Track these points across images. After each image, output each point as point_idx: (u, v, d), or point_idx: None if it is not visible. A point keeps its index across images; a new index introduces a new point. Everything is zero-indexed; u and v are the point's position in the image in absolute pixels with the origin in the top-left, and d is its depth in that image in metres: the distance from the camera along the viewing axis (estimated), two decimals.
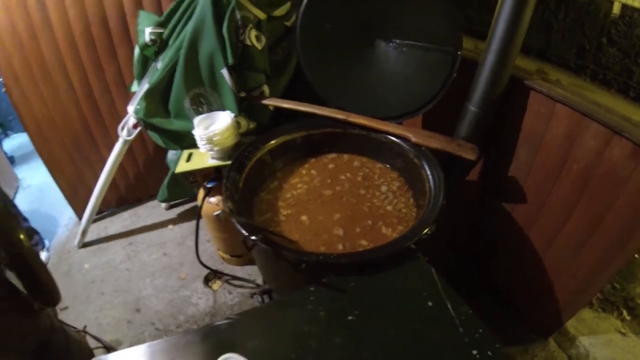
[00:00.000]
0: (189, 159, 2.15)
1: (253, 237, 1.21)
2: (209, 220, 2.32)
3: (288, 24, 2.30)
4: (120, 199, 3.28)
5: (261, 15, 2.11)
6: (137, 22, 2.34)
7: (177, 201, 3.24)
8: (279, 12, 2.22)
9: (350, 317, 1.09)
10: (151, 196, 3.29)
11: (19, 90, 2.75)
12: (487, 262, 2.19)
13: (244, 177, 1.55)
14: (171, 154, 2.65)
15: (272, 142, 1.71)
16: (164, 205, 3.21)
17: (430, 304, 1.12)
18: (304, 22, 1.80)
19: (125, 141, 2.56)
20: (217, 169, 2.11)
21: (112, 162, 2.68)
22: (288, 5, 2.24)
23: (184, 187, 2.84)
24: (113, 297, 2.55)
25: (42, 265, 1.57)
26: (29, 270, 1.54)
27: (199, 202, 2.28)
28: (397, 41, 1.73)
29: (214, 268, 2.47)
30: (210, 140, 1.92)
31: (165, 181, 2.86)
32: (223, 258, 2.61)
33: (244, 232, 1.26)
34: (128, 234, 3.04)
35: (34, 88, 2.77)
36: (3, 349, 1.36)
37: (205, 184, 2.16)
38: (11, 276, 1.47)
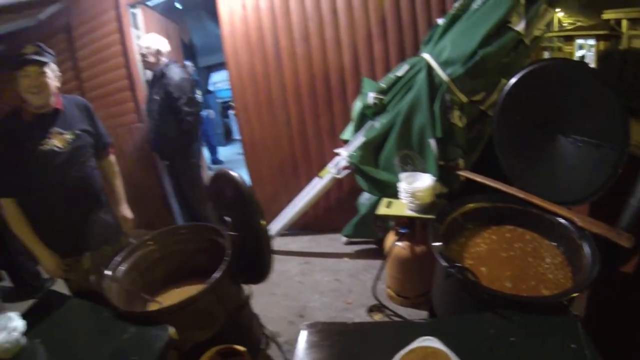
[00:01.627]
0: (388, 205, 3.05)
1: (458, 264, 1.97)
2: (393, 262, 3.05)
3: (482, 107, 3.11)
4: (306, 224, 4.25)
5: (464, 99, 2.99)
6: (361, 86, 3.38)
7: (357, 239, 4.02)
8: (477, 97, 3.06)
9: (512, 338, 1.71)
10: (333, 230, 4.14)
11: (246, 116, 3.96)
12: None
13: (443, 229, 2.34)
14: (364, 198, 3.54)
15: (466, 206, 2.49)
16: (344, 239, 4.05)
17: (573, 346, 1.66)
18: (500, 114, 2.52)
19: (334, 178, 3.54)
20: (410, 218, 2.93)
21: (315, 193, 3.64)
22: (483, 93, 3.06)
23: (369, 229, 3.64)
24: (282, 299, 3.41)
25: (271, 250, 2.21)
26: (258, 251, 2.19)
27: (386, 244, 3.09)
28: (575, 137, 2.28)
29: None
30: (413, 195, 2.81)
31: (355, 220, 3.73)
32: (390, 296, 3.28)
33: (445, 263, 2.01)
34: (306, 254, 3.97)
35: (258, 117, 3.94)
36: (219, 303, 2.10)
37: (398, 229, 2.98)
38: None
